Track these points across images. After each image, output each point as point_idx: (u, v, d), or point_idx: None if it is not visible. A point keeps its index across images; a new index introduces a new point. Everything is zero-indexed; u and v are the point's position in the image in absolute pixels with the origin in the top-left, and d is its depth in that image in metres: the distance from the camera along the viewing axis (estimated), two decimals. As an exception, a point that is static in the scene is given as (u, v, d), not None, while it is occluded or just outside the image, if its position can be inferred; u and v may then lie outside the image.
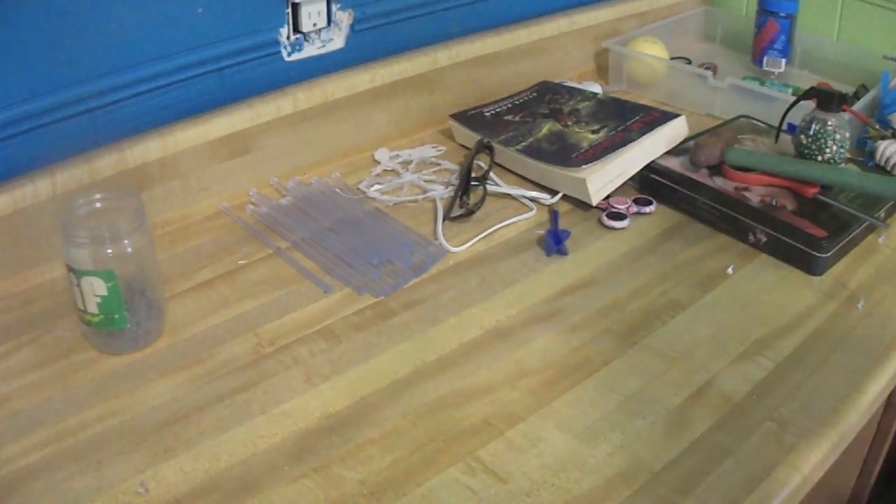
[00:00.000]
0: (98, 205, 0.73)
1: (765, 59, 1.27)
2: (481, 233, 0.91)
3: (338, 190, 0.98)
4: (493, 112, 1.10)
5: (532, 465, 0.63)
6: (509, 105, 1.12)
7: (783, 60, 1.27)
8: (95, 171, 0.84)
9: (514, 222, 0.94)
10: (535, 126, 1.05)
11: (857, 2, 1.30)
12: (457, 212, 0.94)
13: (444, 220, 0.93)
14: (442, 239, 0.89)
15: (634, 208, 0.95)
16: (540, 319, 0.79)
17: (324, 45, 1.04)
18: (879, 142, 1.02)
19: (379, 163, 1.05)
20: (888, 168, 1.00)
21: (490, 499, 0.61)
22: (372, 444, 0.65)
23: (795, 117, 0.99)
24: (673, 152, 1.00)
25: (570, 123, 1.05)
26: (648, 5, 1.40)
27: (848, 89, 1.18)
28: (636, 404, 0.69)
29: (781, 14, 1.25)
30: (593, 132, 1.02)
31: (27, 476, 0.61)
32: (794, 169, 0.93)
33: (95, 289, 0.70)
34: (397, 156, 1.06)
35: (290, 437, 0.65)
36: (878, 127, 1.06)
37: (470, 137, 1.06)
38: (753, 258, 0.88)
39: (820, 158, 0.95)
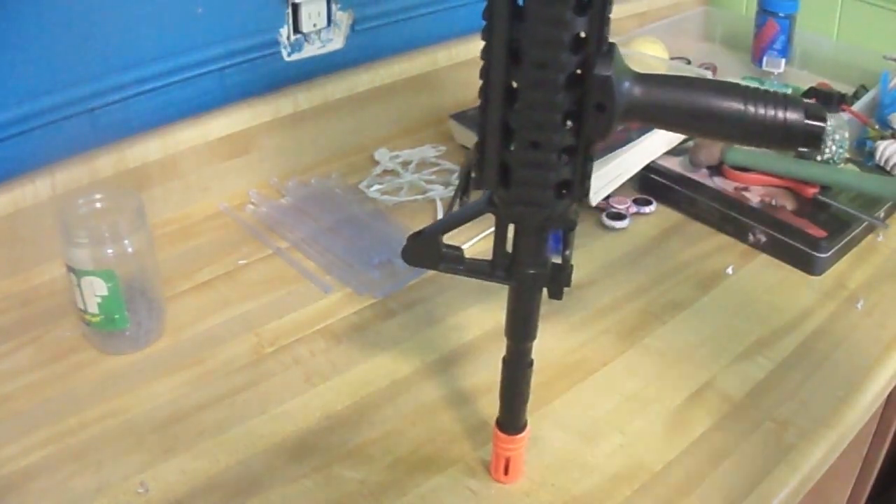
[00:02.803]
0: (98, 205, 0.73)
1: (764, 59, 1.27)
2: (481, 233, 0.91)
3: (338, 190, 0.98)
4: (492, 112, 1.10)
5: (532, 465, 0.63)
6: (509, 105, 1.12)
7: (783, 60, 1.27)
8: (95, 171, 0.84)
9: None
10: (534, 126, 1.05)
11: (857, 2, 1.30)
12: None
13: (444, 220, 0.93)
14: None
15: (634, 208, 0.95)
16: (539, 319, 0.79)
17: (324, 46, 1.04)
18: (879, 142, 1.02)
19: (379, 163, 1.05)
20: (888, 168, 1.00)
21: (490, 499, 0.61)
22: (372, 444, 0.65)
23: (795, 117, 0.99)
24: (673, 152, 1.00)
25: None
26: (648, 5, 1.40)
27: (847, 89, 1.18)
28: (636, 404, 0.69)
29: (781, 14, 1.25)
30: (593, 132, 1.01)
31: (27, 476, 0.61)
32: (793, 169, 0.93)
33: (96, 289, 0.70)
34: (397, 156, 1.06)
35: (290, 437, 0.65)
36: (877, 127, 1.06)
37: (470, 137, 1.06)
38: (753, 258, 0.88)
39: (819, 158, 0.95)
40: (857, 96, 1.15)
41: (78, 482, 0.61)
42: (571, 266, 0.55)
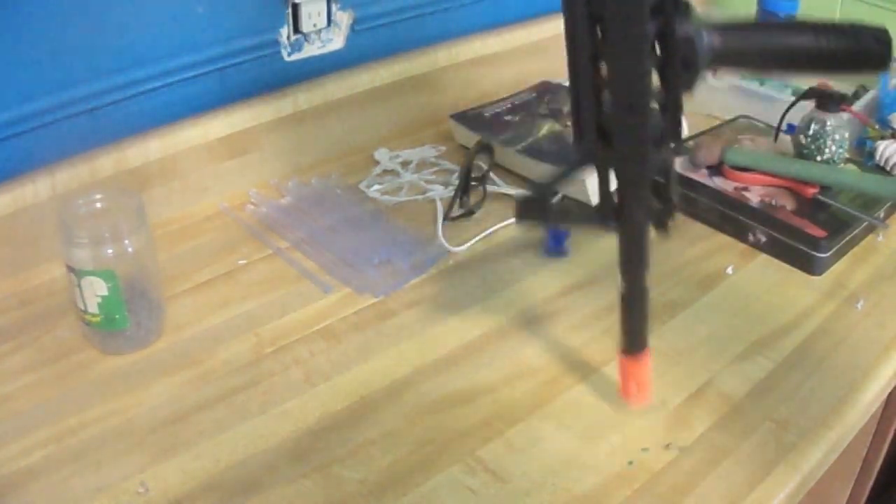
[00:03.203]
0: (98, 205, 0.73)
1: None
2: (481, 233, 0.91)
3: (338, 190, 0.98)
4: (492, 112, 1.10)
5: (532, 465, 0.63)
6: (509, 105, 1.12)
7: (783, 60, 1.27)
8: (95, 171, 0.84)
9: (514, 222, 0.94)
10: (534, 126, 1.05)
11: (857, 2, 1.30)
12: (457, 212, 0.94)
13: (444, 220, 0.93)
14: (442, 239, 0.89)
15: (634, 208, 0.95)
16: (540, 319, 0.79)
17: (324, 46, 1.04)
18: (879, 142, 1.02)
19: (379, 163, 1.05)
20: (888, 168, 1.00)
21: (490, 499, 0.61)
22: (372, 444, 0.65)
23: (795, 117, 0.99)
24: (673, 152, 1.00)
25: (569, 124, 1.05)
26: (648, 5, 1.39)
27: (848, 89, 1.18)
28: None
29: (781, 14, 1.25)
30: (593, 132, 1.02)
31: (27, 476, 0.61)
32: (793, 169, 0.93)
33: (96, 289, 0.70)
34: (397, 156, 1.06)
35: (290, 437, 0.65)
36: (877, 127, 1.06)
37: (470, 137, 1.06)
38: (753, 258, 0.88)
39: (819, 158, 0.95)
40: (857, 96, 1.15)
41: (78, 482, 0.61)
42: (675, 203, 0.59)
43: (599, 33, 0.53)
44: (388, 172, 1.03)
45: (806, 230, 0.86)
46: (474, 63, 1.16)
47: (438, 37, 1.14)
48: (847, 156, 0.97)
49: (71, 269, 0.70)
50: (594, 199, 0.93)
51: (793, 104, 1.00)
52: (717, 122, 1.10)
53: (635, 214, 0.59)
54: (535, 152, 0.99)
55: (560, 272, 0.86)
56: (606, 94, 0.54)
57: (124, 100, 0.89)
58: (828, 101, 0.95)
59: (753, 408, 0.69)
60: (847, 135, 0.95)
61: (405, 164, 1.05)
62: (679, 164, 0.98)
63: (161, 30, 0.89)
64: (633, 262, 0.62)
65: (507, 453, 0.64)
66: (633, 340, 0.66)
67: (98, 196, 0.73)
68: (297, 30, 1.00)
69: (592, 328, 0.78)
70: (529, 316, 0.79)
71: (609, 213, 0.60)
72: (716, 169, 0.96)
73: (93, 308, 0.71)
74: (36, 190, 0.81)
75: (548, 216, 0.63)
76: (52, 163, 0.82)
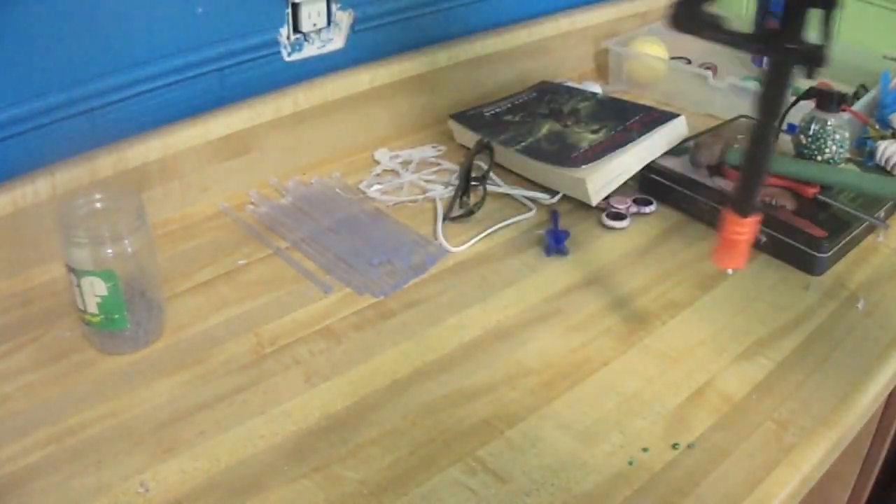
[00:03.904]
0: (98, 205, 0.73)
1: (764, 59, 1.27)
2: (481, 233, 0.91)
3: (338, 190, 0.98)
4: (492, 112, 1.10)
5: (532, 465, 0.63)
6: (509, 105, 1.12)
7: (783, 60, 1.26)
8: (95, 171, 0.84)
9: (514, 222, 0.94)
10: (534, 126, 1.05)
11: (857, 2, 1.30)
12: (457, 212, 0.94)
13: (444, 220, 0.93)
14: (442, 239, 0.89)
15: (634, 208, 0.95)
16: (540, 319, 0.79)
17: (324, 45, 1.04)
18: (879, 142, 1.02)
19: (379, 163, 1.05)
20: (888, 168, 1.00)
21: (490, 499, 0.61)
22: (372, 444, 0.65)
23: (795, 117, 0.99)
24: (673, 152, 1.00)
25: (569, 123, 1.05)
26: (648, 5, 1.39)
27: (848, 89, 1.18)
28: (636, 404, 0.69)
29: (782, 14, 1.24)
30: (593, 132, 1.02)
31: (27, 476, 0.61)
32: (793, 169, 0.93)
33: (95, 289, 0.70)
34: (397, 156, 1.06)
35: (290, 437, 0.65)
36: (877, 127, 1.06)
37: (470, 137, 1.06)
38: (753, 258, 0.88)
39: (819, 158, 0.95)
40: (857, 96, 1.15)
41: (78, 482, 0.61)
42: (827, 47, 0.58)
43: None
44: (388, 172, 1.03)
45: (806, 230, 0.86)
46: (474, 63, 1.16)
47: (438, 37, 1.14)
48: (847, 156, 0.97)
49: (71, 269, 0.70)
50: (594, 199, 0.93)
51: (793, 104, 1.00)
52: (717, 122, 1.10)
53: (785, 43, 0.57)
54: (534, 152, 0.99)
55: (560, 272, 0.86)
56: None
57: (124, 100, 0.89)
58: (828, 101, 0.95)
59: (753, 408, 0.69)
60: (847, 135, 0.95)
61: (405, 164, 1.05)
62: (680, 164, 0.98)
63: (161, 30, 0.89)
64: (769, 101, 0.60)
65: (507, 453, 0.64)
66: (747, 198, 0.64)
67: (98, 196, 0.73)
68: (297, 30, 1.00)
69: (592, 328, 0.78)
70: (529, 316, 0.79)
71: (762, 38, 0.58)
72: (716, 169, 0.96)
73: (92, 308, 0.71)
74: (36, 190, 0.81)
75: (702, 28, 0.61)
76: (52, 163, 0.82)
